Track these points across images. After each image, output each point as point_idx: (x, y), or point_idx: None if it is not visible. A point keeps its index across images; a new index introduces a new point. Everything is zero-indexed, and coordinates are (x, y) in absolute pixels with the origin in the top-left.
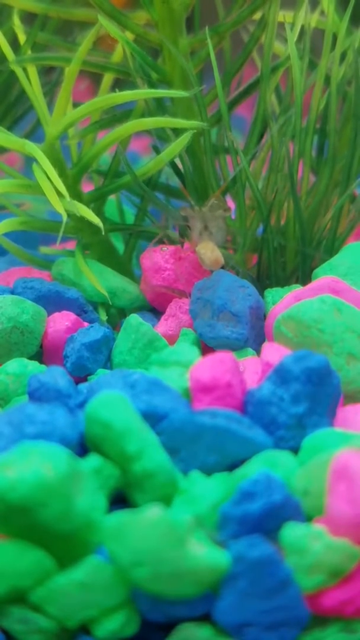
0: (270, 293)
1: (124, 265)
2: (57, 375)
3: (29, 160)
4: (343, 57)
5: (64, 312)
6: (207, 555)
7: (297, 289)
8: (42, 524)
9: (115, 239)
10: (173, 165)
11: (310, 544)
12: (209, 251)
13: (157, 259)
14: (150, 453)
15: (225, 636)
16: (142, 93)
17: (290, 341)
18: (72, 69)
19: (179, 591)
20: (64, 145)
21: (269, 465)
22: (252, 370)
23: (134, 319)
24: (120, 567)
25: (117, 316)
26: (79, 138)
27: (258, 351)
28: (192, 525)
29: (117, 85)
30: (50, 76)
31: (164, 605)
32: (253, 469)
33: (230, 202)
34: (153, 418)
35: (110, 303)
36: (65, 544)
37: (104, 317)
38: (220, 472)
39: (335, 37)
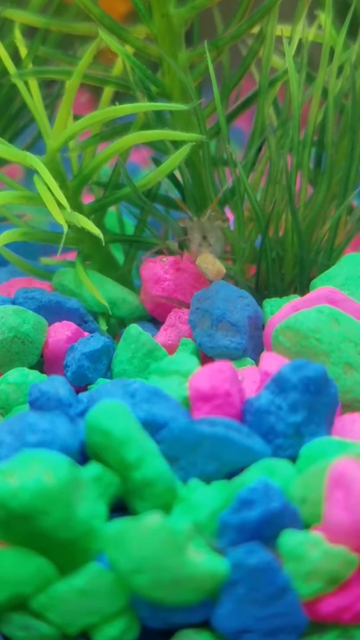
0: (269, 303)
1: (124, 276)
2: (57, 385)
3: (30, 172)
4: (340, 70)
5: (65, 322)
6: (206, 562)
7: (295, 299)
8: (43, 532)
9: (115, 250)
10: (172, 177)
11: (308, 551)
12: (210, 264)
13: (157, 270)
14: (150, 461)
15: None
16: (142, 106)
17: (288, 351)
18: (72, 82)
19: (178, 598)
20: (65, 157)
21: (267, 473)
22: (250, 379)
23: (133, 328)
24: (120, 574)
25: (117, 326)
26: (80, 150)
27: (256, 361)
28: (192, 533)
29: (117, 98)
30: (51, 89)
31: (164, 612)
32: (251, 477)
33: (229, 213)
34: (153, 427)
35: (110, 313)
36: (65, 551)
37: (104, 327)
38: (219, 480)
39: (332, 51)
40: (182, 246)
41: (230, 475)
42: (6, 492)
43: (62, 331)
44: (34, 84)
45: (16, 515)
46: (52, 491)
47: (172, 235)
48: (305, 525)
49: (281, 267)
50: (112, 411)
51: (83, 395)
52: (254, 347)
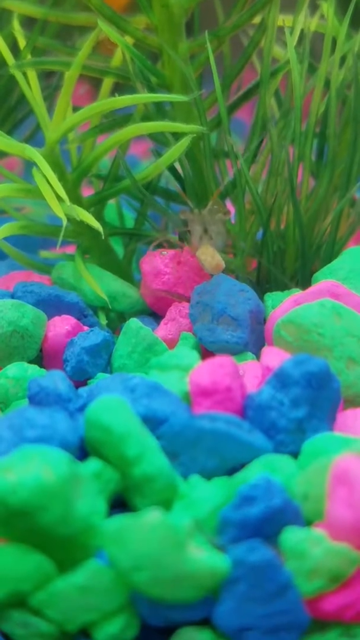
0: (270, 297)
1: (123, 270)
2: (57, 379)
3: (29, 164)
4: (343, 61)
5: (64, 316)
6: (206, 559)
7: (297, 293)
8: (42, 528)
9: (114, 243)
10: (173, 169)
11: (310, 549)
12: (209, 257)
13: (157, 263)
14: (150, 457)
15: None
16: (142, 97)
17: (290, 345)
18: (71, 73)
19: (178, 595)
20: (64, 149)
21: (268, 469)
22: (252, 374)
23: (133, 322)
24: (120, 571)
25: (116, 320)
26: (79, 142)
27: (258, 355)
28: (192, 529)
29: (117, 89)
30: (50, 80)
31: (164, 609)
32: (253, 473)
33: (230, 206)
34: (153, 422)
35: (110, 307)
36: (65, 548)
37: (103, 321)
38: (220, 476)
39: (334, 41)
40: (183, 239)
41: (231, 471)
42: (5, 488)
43: (61, 325)
44: (32, 75)
45: (15, 511)
46: (51, 487)
47: (172, 228)
48: (307, 522)
49: (283, 261)
50: (111, 406)
51: (82, 390)
52: (255, 342)
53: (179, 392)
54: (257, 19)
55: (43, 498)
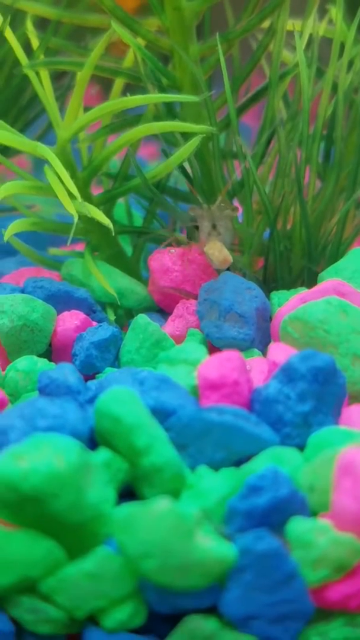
0: (276, 295)
1: (132, 267)
2: (66, 372)
3: (39, 163)
4: (350, 65)
5: (73, 311)
6: (214, 548)
7: (302, 291)
8: (53, 515)
9: (123, 241)
10: (182, 169)
11: (315, 539)
12: (217, 251)
13: (165, 261)
14: (159, 448)
15: (231, 628)
16: (153, 98)
17: (296, 342)
18: (84, 73)
19: (186, 583)
20: (75, 148)
21: (275, 461)
22: (258, 369)
23: (142, 318)
24: (129, 558)
25: (124, 317)
26: (90, 141)
27: (264, 352)
28: (200, 518)
29: (128, 90)
30: (62, 80)
31: (171, 597)
32: (260, 465)
33: (238, 206)
34: (161, 414)
35: (119, 303)
36: (75, 535)
37: (112, 317)
38: (227, 468)
39: (342, 46)
40: (191, 237)
41: (238, 463)
42: (17, 475)
43: (70, 320)
44: (45, 75)
45: (27, 497)
46: (63, 474)
47: (180, 227)
48: (313, 513)
49: (289, 260)
50: (121, 397)
51: (92, 383)
52: (261, 339)
53: (187, 386)
54: (266, 23)
55: (54, 485)
